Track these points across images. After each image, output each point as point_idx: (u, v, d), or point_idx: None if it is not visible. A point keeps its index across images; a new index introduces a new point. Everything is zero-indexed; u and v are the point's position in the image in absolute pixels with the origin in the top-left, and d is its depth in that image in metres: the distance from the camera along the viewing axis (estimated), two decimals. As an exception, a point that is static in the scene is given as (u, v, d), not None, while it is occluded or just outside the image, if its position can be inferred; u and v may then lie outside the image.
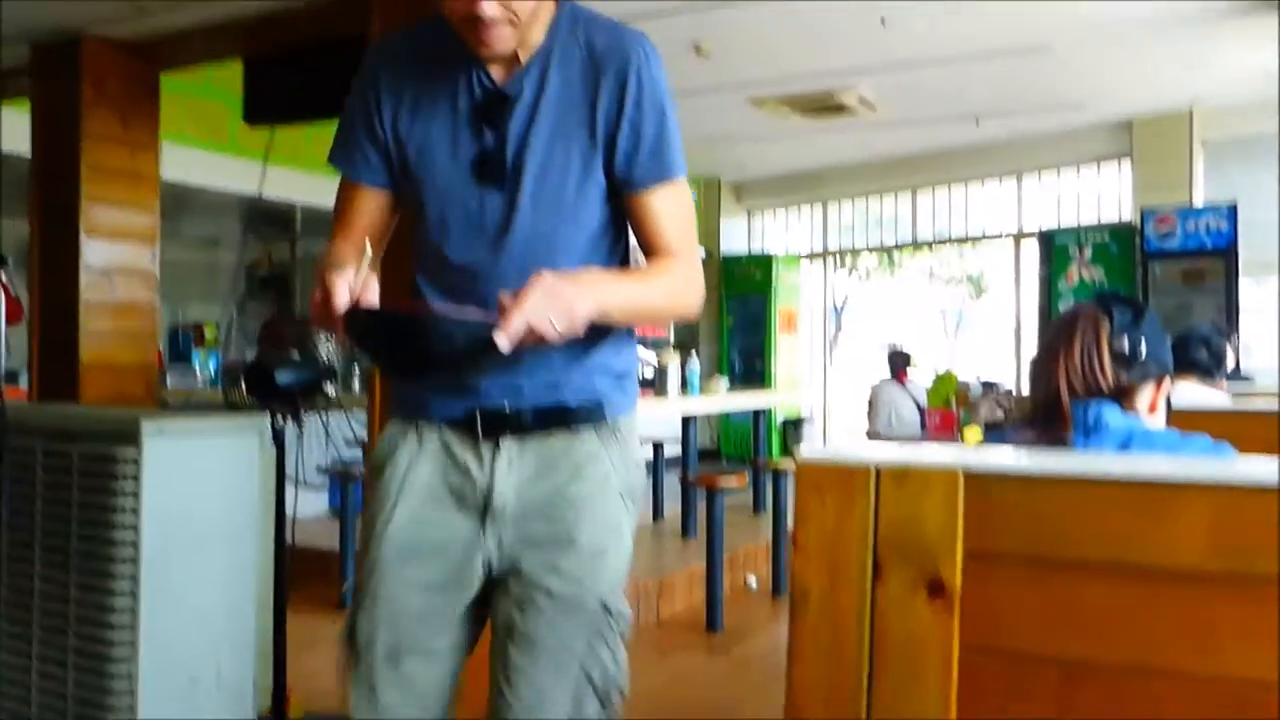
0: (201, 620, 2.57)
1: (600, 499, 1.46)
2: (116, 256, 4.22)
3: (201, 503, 2.58)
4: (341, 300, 1.29)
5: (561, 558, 1.43)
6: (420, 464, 1.47)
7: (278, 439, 2.56)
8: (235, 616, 2.64)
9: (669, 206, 1.46)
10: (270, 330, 7.55)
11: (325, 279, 1.30)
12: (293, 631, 2.59)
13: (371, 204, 1.52)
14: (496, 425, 1.44)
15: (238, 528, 2.64)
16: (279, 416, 2.54)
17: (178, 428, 2.56)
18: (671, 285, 1.46)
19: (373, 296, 1.33)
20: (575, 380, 1.45)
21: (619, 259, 1.52)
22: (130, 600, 2.42)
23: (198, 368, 7.67)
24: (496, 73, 1.43)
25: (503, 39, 1.35)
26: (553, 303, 1.26)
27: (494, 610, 1.47)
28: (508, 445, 1.45)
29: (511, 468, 1.44)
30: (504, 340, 1.24)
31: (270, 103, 4.12)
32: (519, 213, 1.41)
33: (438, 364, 1.35)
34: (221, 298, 9.02)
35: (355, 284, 1.30)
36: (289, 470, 2.63)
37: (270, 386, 2.48)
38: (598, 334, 1.41)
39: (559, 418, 1.45)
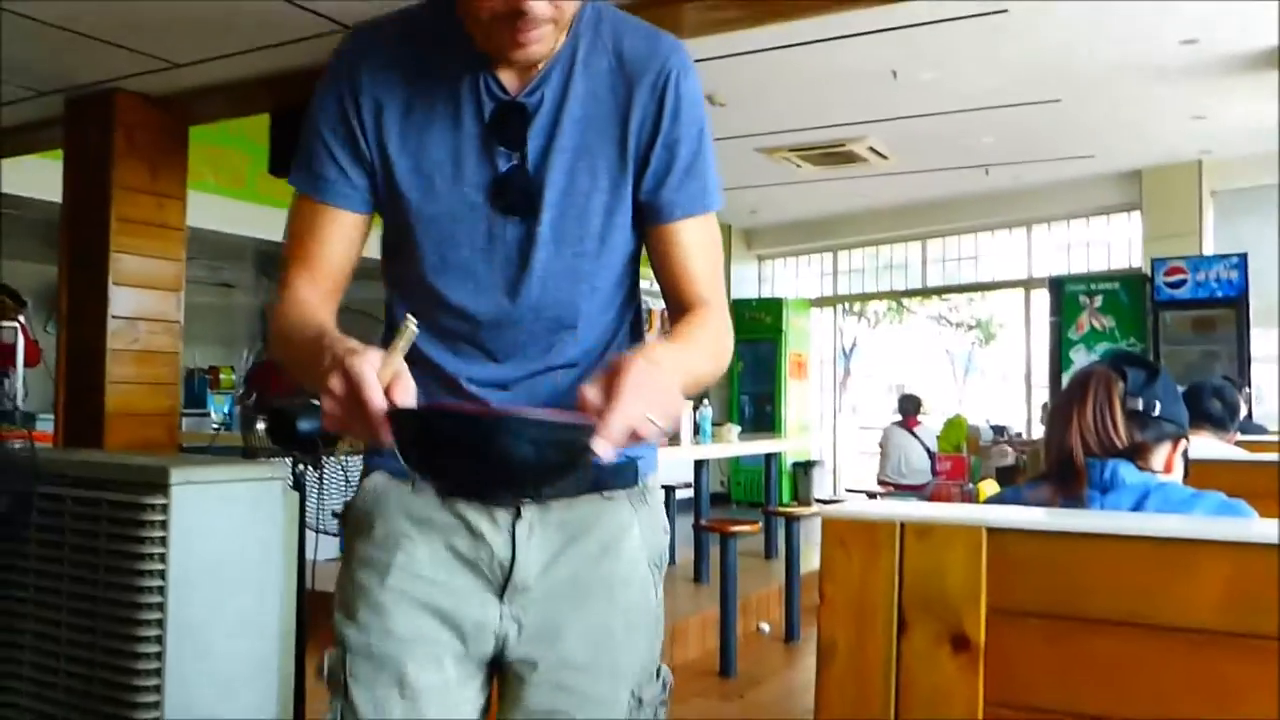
0: (225, 666, 2.59)
1: (632, 576, 1.28)
2: (143, 305, 4.29)
3: (226, 550, 2.61)
4: (378, 399, 0.95)
5: (591, 649, 1.24)
6: (420, 521, 1.24)
7: (299, 485, 2.59)
8: (258, 662, 2.66)
9: (701, 241, 1.24)
10: (259, 371, 7.36)
11: (346, 365, 0.96)
12: (312, 675, 2.61)
13: (345, 232, 1.22)
14: None
15: (260, 574, 2.67)
16: (300, 463, 2.58)
17: (205, 476, 2.60)
18: (714, 346, 1.22)
19: (407, 390, 0.98)
20: None
21: (636, 303, 1.33)
22: (156, 646, 2.45)
23: (213, 411, 7.70)
24: (509, 79, 1.18)
25: (544, 39, 1.12)
26: (651, 397, 0.99)
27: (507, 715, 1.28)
28: (528, 510, 1.23)
29: (533, 535, 1.23)
30: (606, 447, 0.96)
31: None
32: (538, 245, 1.18)
33: (521, 481, 1.01)
34: (236, 341, 9.08)
35: (384, 373, 0.96)
36: (309, 516, 2.66)
37: (292, 433, 2.50)
38: None
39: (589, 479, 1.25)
